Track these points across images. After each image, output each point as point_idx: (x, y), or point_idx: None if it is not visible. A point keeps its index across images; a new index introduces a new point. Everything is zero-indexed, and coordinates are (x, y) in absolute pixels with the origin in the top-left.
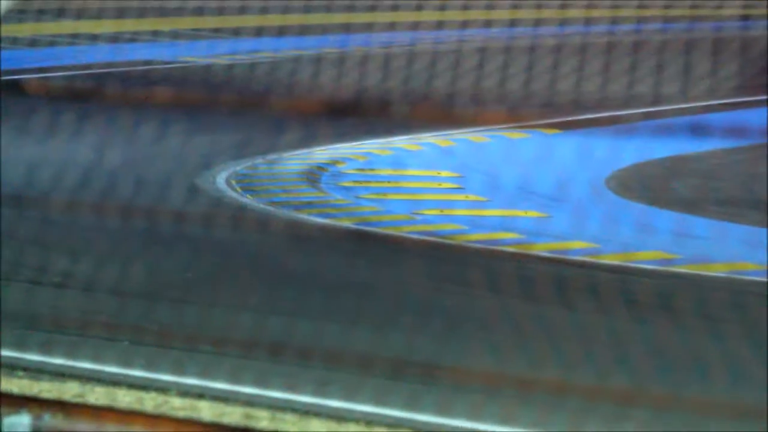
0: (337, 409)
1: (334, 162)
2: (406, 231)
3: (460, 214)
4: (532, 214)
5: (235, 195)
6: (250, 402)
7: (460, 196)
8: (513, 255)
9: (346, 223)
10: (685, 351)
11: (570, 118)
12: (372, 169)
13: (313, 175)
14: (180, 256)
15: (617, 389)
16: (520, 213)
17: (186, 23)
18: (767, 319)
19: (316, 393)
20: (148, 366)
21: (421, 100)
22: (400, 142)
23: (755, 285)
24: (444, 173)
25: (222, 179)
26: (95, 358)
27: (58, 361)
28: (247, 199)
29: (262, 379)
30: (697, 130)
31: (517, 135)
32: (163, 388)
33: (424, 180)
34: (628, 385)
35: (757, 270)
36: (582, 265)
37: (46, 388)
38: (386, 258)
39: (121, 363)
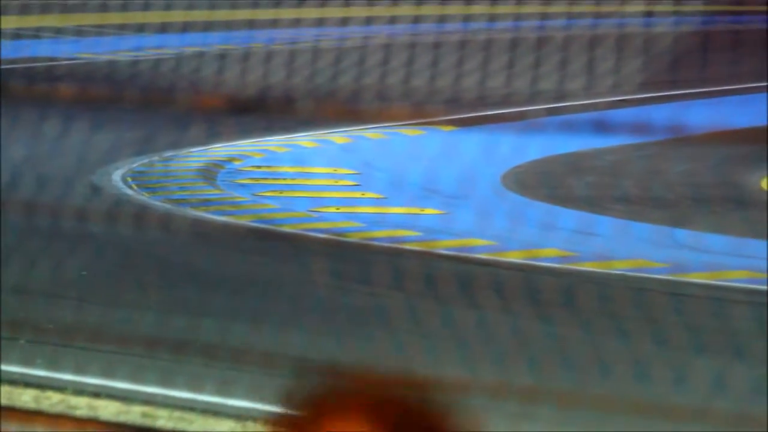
0: (239, 408)
1: (231, 159)
2: (303, 228)
3: (358, 212)
4: (430, 211)
5: (130, 192)
6: (150, 401)
7: (358, 194)
8: (413, 253)
9: (244, 221)
10: (587, 348)
11: (470, 115)
12: (269, 167)
13: (209, 173)
14: (76, 254)
15: (521, 387)
16: (417, 210)
17: (90, 19)
18: (668, 316)
19: (218, 392)
20: (48, 365)
21: (321, 97)
22: (298, 139)
23: (656, 282)
24: (341, 170)
25: (118, 176)
26: None
27: None
28: (143, 197)
29: (163, 378)
30: (601, 127)
31: (413, 132)
32: (61, 387)
33: (322, 177)
34: (532, 383)
35: (657, 267)
36: (482, 263)
37: None
38: (285, 256)
39: (21, 362)
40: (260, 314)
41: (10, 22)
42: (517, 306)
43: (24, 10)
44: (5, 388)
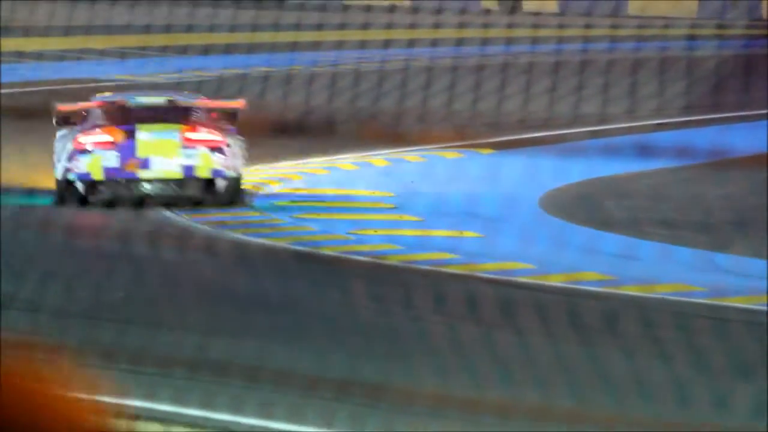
0: (280, 431)
1: (270, 181)
2: (342, 251)
3: (396, 234)
4: (468, 234)
5: (169, 214)
6: (192, 423)
7: (396, 216)
8: (453, 276)
9: (283, 243)
10: (627, 371)
11: (509, 138)
12: (307, 189)
13: (248, 195)
14: (116, 275)
15: (563, 410)
16: (455, 233)
17: (133, 41)
18: (708, 340)
19: (259, 414)
20: (91, 388)
21: (361, 120)
22: (338, 161)
23: (696, 306)
24: (379, 193)
25: None
26: None
27: None
28: (183, 219)
29: (205, 400)
30: (642, 150)
31: (451, 155)
32: (101, 410)
33: (360, 200)
34: (573, 407)
35: (697, 291)
36: (522, 286)
37: None
38: (325, 278)
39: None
40: (301, 337)
41: (55, 44)
42: (558, 329)
43: (69, 32)
44: None
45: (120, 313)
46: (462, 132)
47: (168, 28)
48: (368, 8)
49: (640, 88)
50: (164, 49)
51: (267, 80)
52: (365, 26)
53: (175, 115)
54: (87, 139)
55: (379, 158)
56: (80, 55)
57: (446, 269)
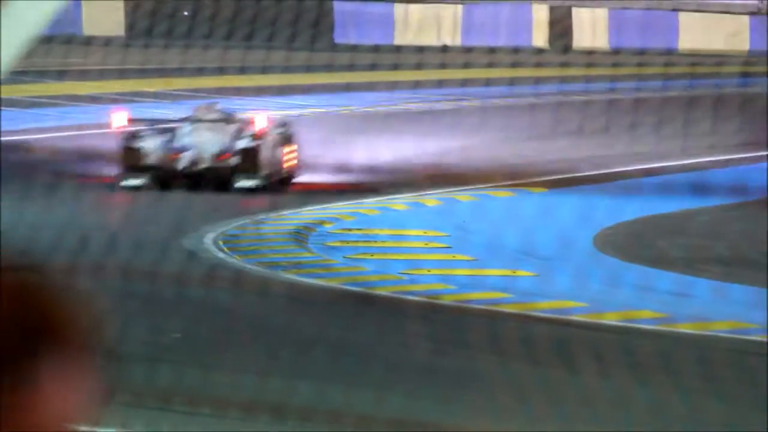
0: None
1: (321, 222)
2: (393, 291)
3: (448, 274)
4: (521, 273)
5: (222, 255)
6: None
7: (448, 256)
8: (508, 315)
9: (337, 284)
10: (683, 411)
11: (563, 176)
12: (359, 230)
13: (300, 236)
14: (170, 317)
15: None
16: (508, 272)
17: (186, 84)
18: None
19: None
20: (147, 427)
21: (413, 160)
22: (388, 201)
23: (752, 344)
24: (431, 233)
25: (210, 240)
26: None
27: None
28: (236, 260)
29: None
30: (696, 188)
31: (502, 194)
32: None
33: (411, 240)
34: None
35: (753, 329)
36: (577, 325)
37: None
38: (379, 319)
39: (120, 426)
40: (356, 377)
41: (111, 87)
42: (613, 369)
43: (123, 75)
44: None
45: (175, 354)
46: (514, 171)
47: (221, 71)
48: (421, 49)
49: (694, 125)
50: (219, 91)
51: (321, 121)
52: (418, 67)
53: None
54: None
55: (430, 198)
56: (133, 98)
57: (502, 308)
